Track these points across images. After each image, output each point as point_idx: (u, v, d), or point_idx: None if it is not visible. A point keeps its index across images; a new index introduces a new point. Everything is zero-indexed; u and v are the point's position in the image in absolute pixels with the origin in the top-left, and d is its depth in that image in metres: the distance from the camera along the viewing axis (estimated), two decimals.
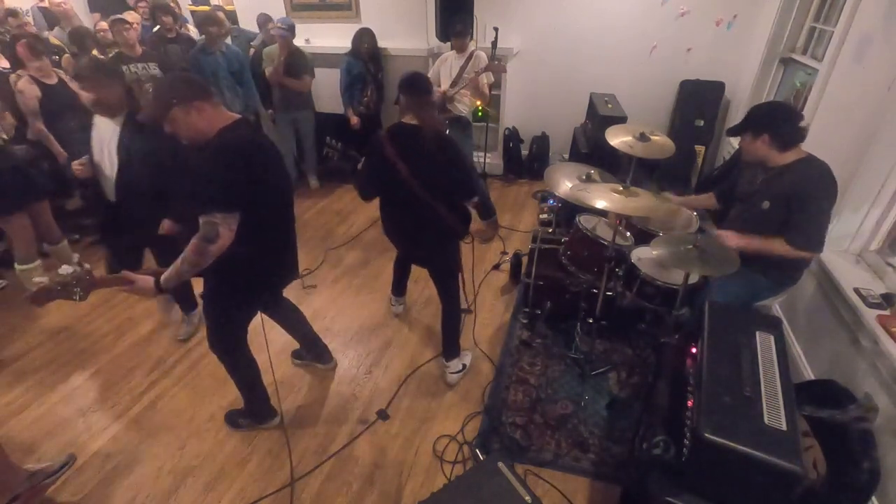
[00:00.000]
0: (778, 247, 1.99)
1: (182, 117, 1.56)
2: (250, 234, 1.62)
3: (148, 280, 1.61)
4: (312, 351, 2.54)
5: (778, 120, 1.96)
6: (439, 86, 3.74)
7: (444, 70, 3.73)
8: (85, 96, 2.01)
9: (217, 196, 1.53)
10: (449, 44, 3.83)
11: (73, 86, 3.37)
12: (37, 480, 1.95)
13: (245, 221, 1.59)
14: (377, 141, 2.10)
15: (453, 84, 3.57)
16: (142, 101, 3.72)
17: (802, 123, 1.97)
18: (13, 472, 1.89)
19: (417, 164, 2.04)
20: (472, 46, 3.69)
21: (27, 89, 3.14)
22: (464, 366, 2.55)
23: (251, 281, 1.82)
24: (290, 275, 2.02)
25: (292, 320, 2.39)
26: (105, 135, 2.23)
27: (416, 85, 2.08)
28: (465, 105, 3.78)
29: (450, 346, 2.49)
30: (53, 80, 3.28)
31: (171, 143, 1.79)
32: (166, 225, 2.25)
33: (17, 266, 3.06)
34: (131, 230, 2.36)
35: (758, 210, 2.06)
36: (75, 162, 2.32)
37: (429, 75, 3.82)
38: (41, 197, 3.11)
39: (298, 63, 4.13)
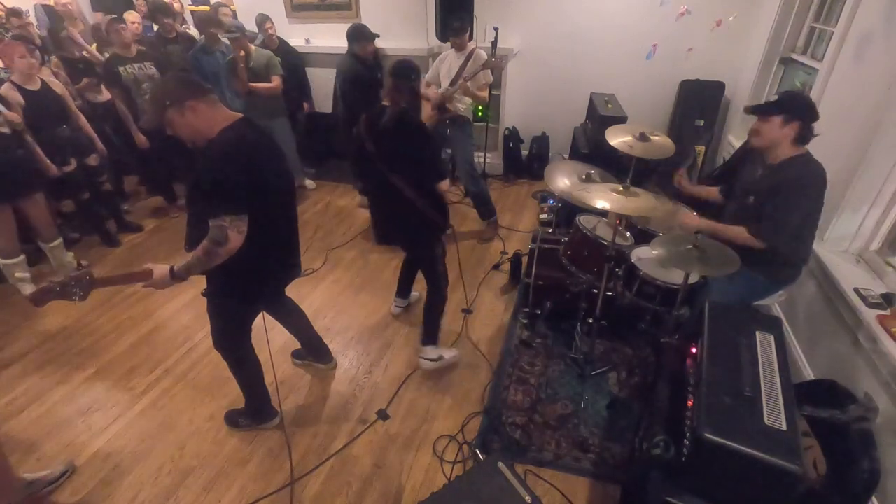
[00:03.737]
0: (735, 233, 2.03)
1: (178, 119, 1.55)
2: (253, 232, 1.62)
3: (164, 269, 1.60)
4: (313, 351, 2.54)
5: (811, 111, 1.93)
6: (439, 85, 3.71)
7: (444, 69, 3.70)
8: None
9: (224, 198, 1.52)
10: (448, 44, 3.82)
11: (58, 88, 3.26)
12: (35, 489, 1.93)
13: (263, 213, 1.61)
14: (358, 124, 2.21)
15: (452, 83, 3.55)
16: (139, 101, 3.73)
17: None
18: (12, 481, 1.87)
19: (381, 143, 2.13)
20: (471, 45, 3.67)
21: (10, 96, 2.95)
22: (440, 357, 2.57)
23: (253, 279, 1.82)
24: (292, 272, 2.02)
25: (294, 320, 2.39)
26: None
27: (397, 70, 2.17)
28: (464, 104, 3.76)
29: (427, 332, 2.56)
30: (37, 86, 3.09)
31: None
32: None
33: None
34: None
35: (748, 204, 2.07)
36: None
37: (428, 74, 3.80)
38: (27, 193, 3.02)
39: (262, 65, 3.87)
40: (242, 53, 3.76)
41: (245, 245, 1.60)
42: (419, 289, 2.89)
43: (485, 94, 3.76)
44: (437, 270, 2.43)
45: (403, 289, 2.96)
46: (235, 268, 1.68)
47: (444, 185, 2.29)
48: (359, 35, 3.50)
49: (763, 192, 1.99)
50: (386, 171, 2.15)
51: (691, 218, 2.26)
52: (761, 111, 2.01)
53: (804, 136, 1.95)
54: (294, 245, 1.97)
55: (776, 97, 2.01)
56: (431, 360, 2.56)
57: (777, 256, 2.04)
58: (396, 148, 2.13)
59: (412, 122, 2.15)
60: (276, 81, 3.95)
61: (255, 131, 1.69)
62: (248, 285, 1.83)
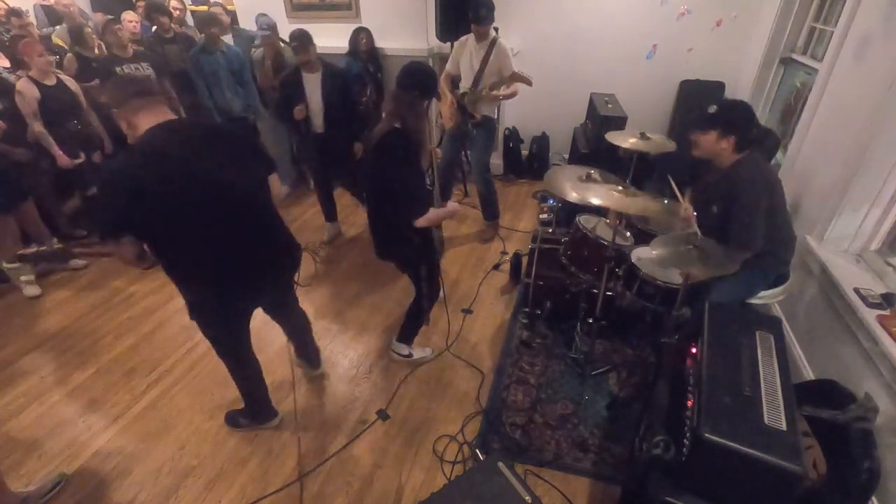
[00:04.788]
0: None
1: (124, 127, 1.58)
2: (183, 246, 1.58)
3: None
4: (303, 355, 2.51)
5: (748, 123, 1.98)
6: (458, 76, 3.50)
7: (465, 61, 3.40)
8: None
9: (95, 222, 1.54)
10: (449, 44, 3.78)
11: (72, 86, 3.38)
12: None
13: (172, 234, 1.54)
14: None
15: (475, 83, 3.33)
16: None
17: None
18: (6, 498, 1.84)
19: (367, 156, 2.12)
20: (492, 33, 3.35)
21: (27, 90, 3.10)
22: (410, 354, 2.61)
23: (203, 290, 1.72)
24: (259, 277, 1.81)
25: (293, 321, 2.35)
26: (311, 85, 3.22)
27: (403, 80, 1.97)
28: (488, 104, 3.46)
29: (402, 333, 2.58)
30: (52, 81, 3.24)
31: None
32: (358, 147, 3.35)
33: (4, 265, 3.14)
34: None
35: (710, 213, 2.09)
36: (297, 108, 3.19)
37: (447, 66, 3.54)
38: (24, 199, 3.16)
39: (288, 63, 3.95)
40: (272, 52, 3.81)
41: (181, 263, 1.62)
42: None
43: (514, 89, 3.41)
44: (421, 287, 2.36)
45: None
46: (189, 286, 1.69)
47: (422, 221, 2.00)
48: (290, 39, 3.24)
49: (721, 199, 2.02)
50: (372, 185, 2.11)
51: None
52: (698, 125, 2.04)
53: (742, 146, 1.99)
54: (250, 251, 1.72)
55: (714, 109, 2.02)
56: (401, 355, 2.62)
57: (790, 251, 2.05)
58: (371, 176, 2.06)
59: (393, 149, 1.92)
60: None
61: (178, 132, 1.57)
62: (209, 301, 1.74)
